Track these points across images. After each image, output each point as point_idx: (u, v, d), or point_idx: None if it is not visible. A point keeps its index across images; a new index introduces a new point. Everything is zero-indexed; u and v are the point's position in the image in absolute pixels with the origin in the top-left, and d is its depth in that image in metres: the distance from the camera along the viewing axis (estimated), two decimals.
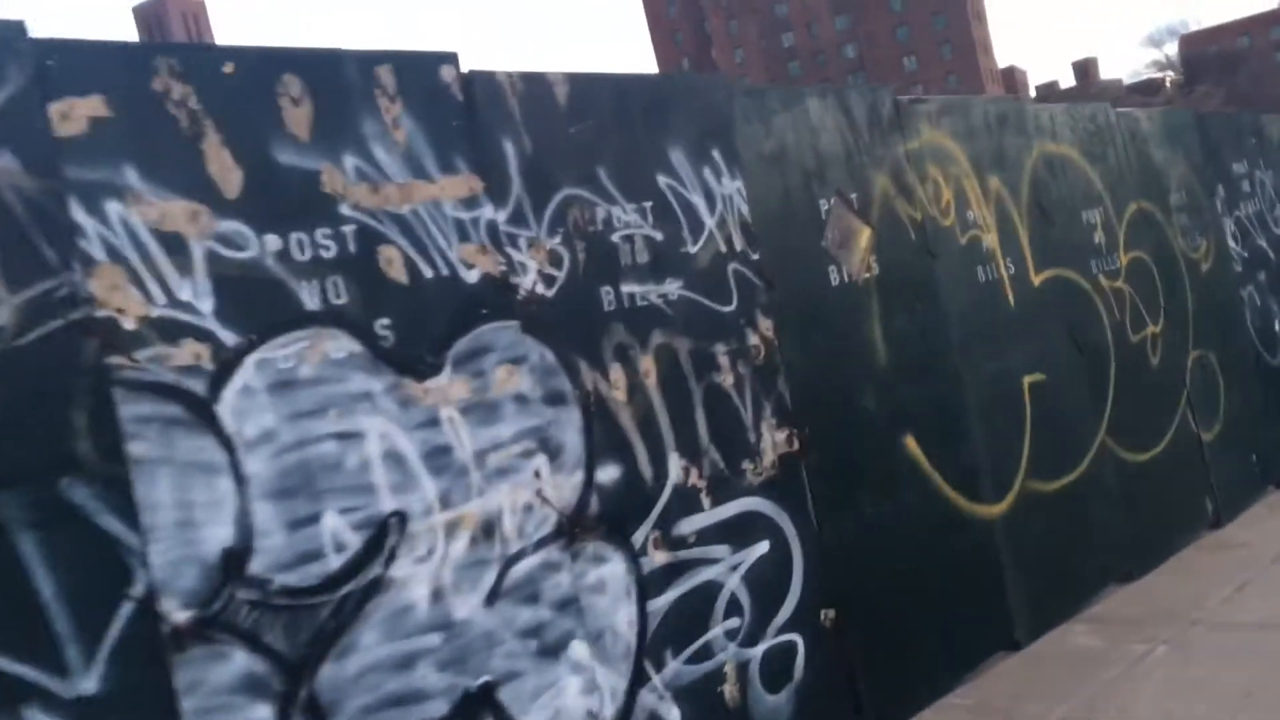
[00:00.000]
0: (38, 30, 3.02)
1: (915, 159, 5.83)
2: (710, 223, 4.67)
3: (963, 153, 6.15)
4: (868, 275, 5.39)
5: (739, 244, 4.78)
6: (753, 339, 4.75)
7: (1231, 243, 8.55)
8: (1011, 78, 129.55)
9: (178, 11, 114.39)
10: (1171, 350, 7.56)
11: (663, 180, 4.52)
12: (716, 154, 4.75)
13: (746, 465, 4.63)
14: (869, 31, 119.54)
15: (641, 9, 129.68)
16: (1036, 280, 6.50)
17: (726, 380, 4.62)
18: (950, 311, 5.83)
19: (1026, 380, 6.24)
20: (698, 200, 4.64)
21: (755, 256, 4.83)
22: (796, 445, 4.84)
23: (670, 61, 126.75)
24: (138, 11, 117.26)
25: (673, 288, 4.48)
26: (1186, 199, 8.13)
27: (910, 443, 5.42)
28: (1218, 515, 7.62)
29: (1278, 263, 9.07)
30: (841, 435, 5.11)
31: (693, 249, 4.59)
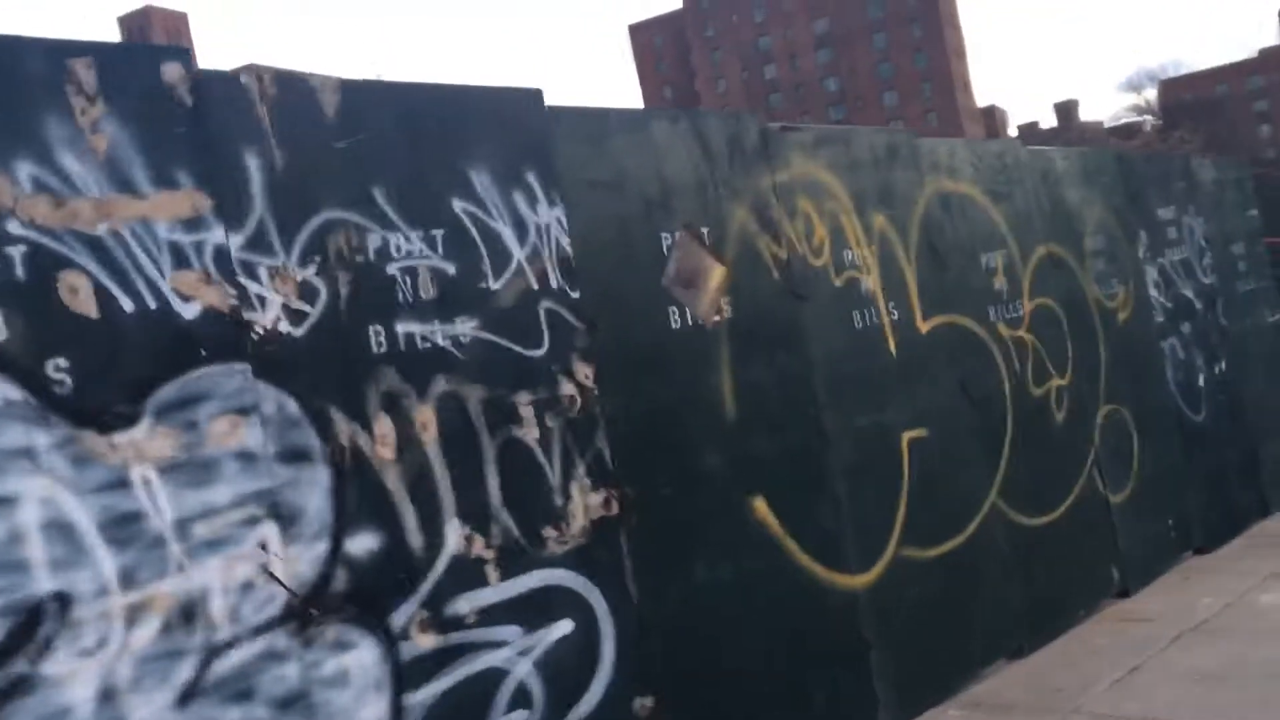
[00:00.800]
0: None
1: (784, 192, 5.26)
2: (520, 255, 4.08)
3: (842, 187, 5.59)
4: (718, 318, 4.81)
5: (555, 280, 4.18)
6: (567, 388, 4.15)
7: (1153, 291, 8.02)
8: (992, 117, 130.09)
9: (160, 23, 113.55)
10: (1079, 405, 7.01)
11: (459, 205, 3.92)
12: (532, 178, 4.16)
13: (549, 532, 4.02)
14: (851, 66, 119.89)
15: (628, 40, 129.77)
16: (924, 327, 5.94)
17: (530, 434, 4.02)
18: (817, 359, 5.26)
19: (906, 436, 5.66)
20: (504, 229, 4.04)
21: (575, 295, 4.23)
22: (615, 508, 4.24)
23: (654, 92, 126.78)
24: (123, 21, 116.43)
25: (466, 328, 3.88)
26: (1104, 244, 7.60)
27: (759, 505, 4.83)
28: (1125, 584, 7.06)
29: (1204, 314, 8.56)
30: (675, 496, 4.51)
31: (495, 284, 3.99)
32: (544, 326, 4.11)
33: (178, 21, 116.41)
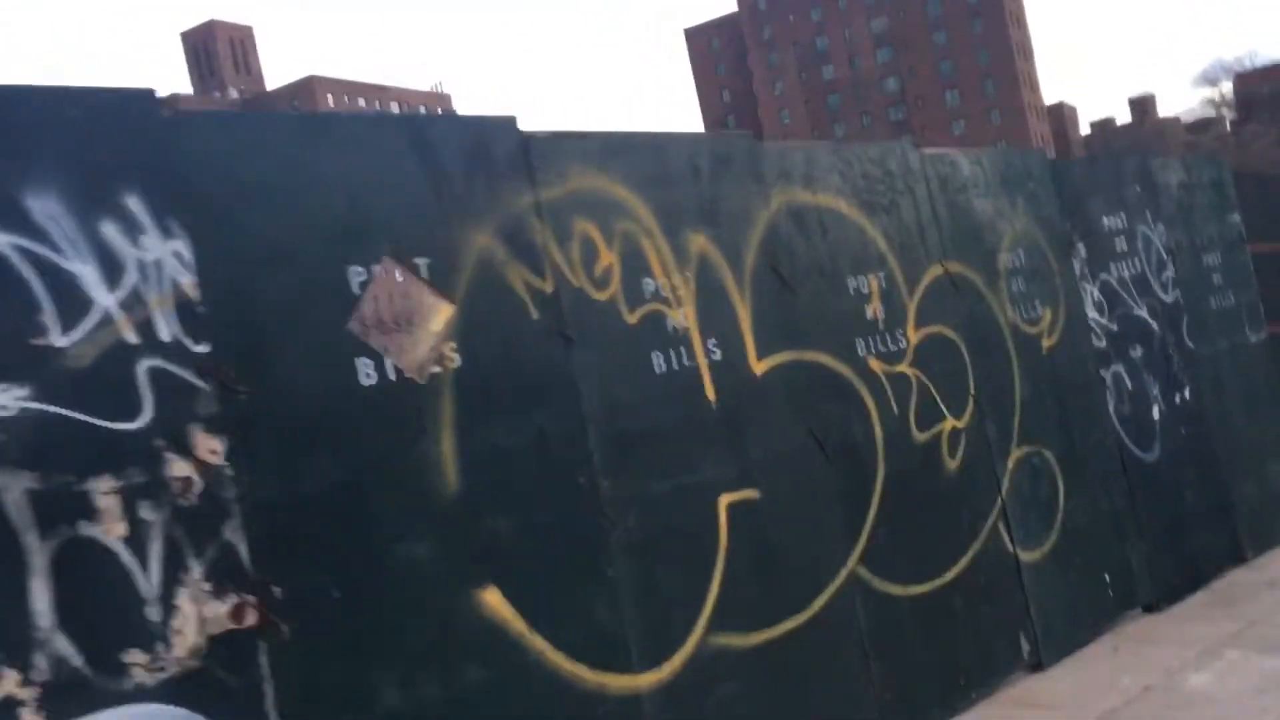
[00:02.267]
0: None
1: (554, 212, 4.28)
2: (108, 301, 3.16)
3: (643, 203, 4.59)
4: (438, 370, 3.84)
5: (167, 331, 3.25)
6: (178, 468, 3.22)
7: (1093, 313, 6.87)
8: (1059, 114, 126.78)
9: (225, 36, 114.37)
10: (982, 449, 5.91)
11: (2, 240, 3.02)
12: (133, 202, 3.24)
13: (136, 657, 3.09)
14: (911, 65, 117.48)
15: (684, 45, 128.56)
16: (760, 367, 4.92)
17: (112, 531, 3.09)
18: (594, 414, 4.27)
19: (726, 500, 4.65)
20: (82, 268, 3.13)
21: (201, 348, 3.30)
22: (253, 618, 3.30)
23: (712, 95, 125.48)
24: (185, 37, 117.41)
25: (6, 399, 2.97)
26: (1025, 260, 6.48)
27: (490, 598, 3.85)
28: (1038, 657, 5.95)
29: (1163, 336, 7.38)
30: (358, 596, 3.56)
31: (61, 341, 3.08)
32: (144, 392, 3.19)
33: (243, 35, 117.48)
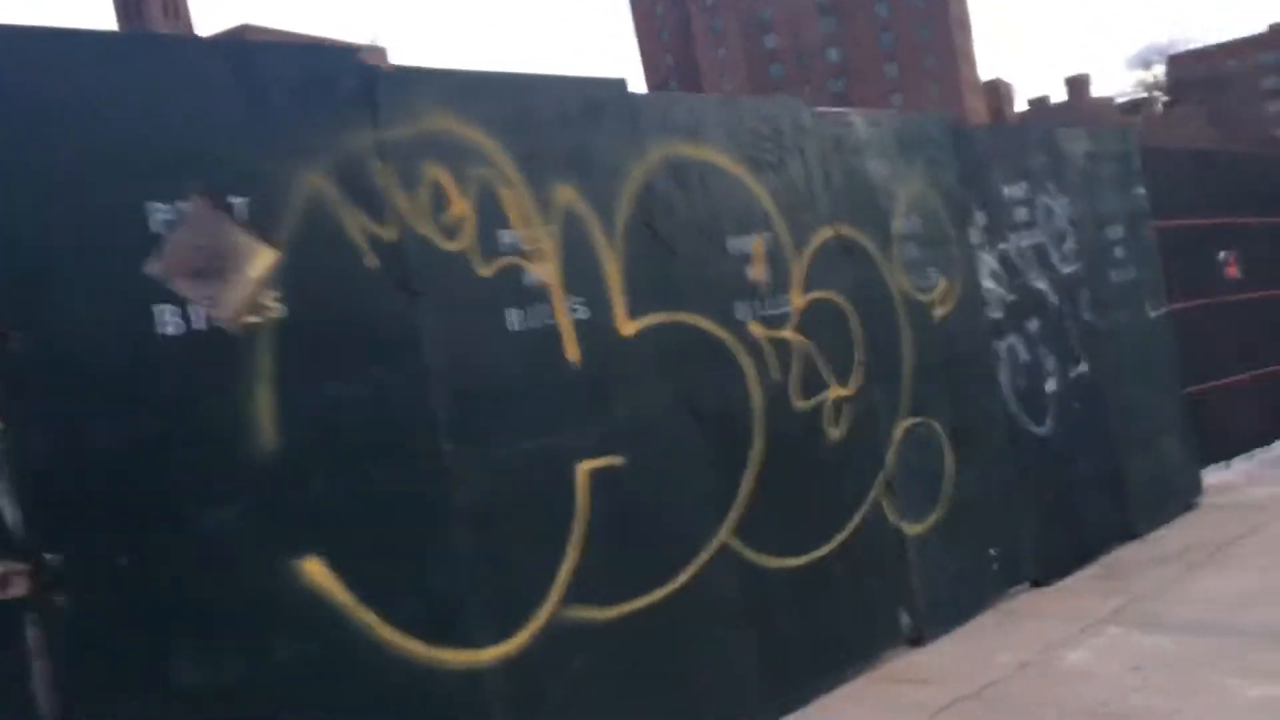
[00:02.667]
0: None
1: (400, 153, 3.94)
2: None
3: (502, 149, 4.26)
4: (256, 319, 3.50)
5: None
6: None
7: (989, 283, 6.69)
8: (996, 90, 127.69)
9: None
10: (868, 418, 5.70)
11: None
12: None
13: None
14: (854, 35, 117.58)
15: (628, 6, 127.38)
16: (630, 328, 4.64)
17: None
18: (439, 372, 3.96)
19: (585, 466, 4.37)
20: None
21: None
22: (20, 588, 2.97)
23: (655, 59, 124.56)
24: None
25: None
26: (921, 226, 6.26)
27: (313, 568, 3.54)
28: (919, 630, 5.79)
29: (1061, 309, 7.22)
30: (153, 564, 3.23)
31: None
32: None
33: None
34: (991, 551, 6.40)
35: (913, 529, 5.85)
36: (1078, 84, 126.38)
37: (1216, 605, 5.90)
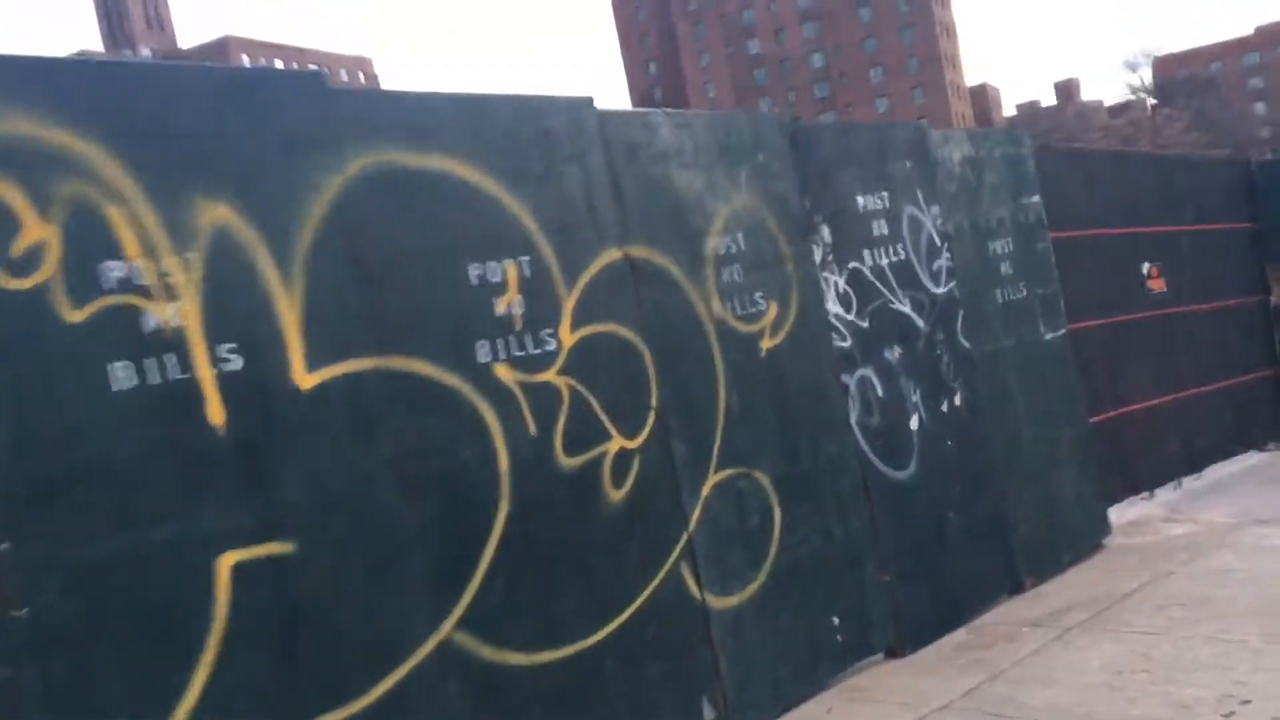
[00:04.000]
0: None
1: None
2: None
3: (112, 157, 3.29)
4: None
5: None
6: None
7: (836, 308, 5.73)
8: (983, 95, 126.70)
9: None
10: (661, 474, 4.74)
11: None
12: None
13: None
14: (837, 41, 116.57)
15: (611, 14, 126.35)
16: (310, 380, 3.67)
17: None
18: None
19: (230, 559, 3.41)
20: None
21: None
22: None
23: (639, 70, 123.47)
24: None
25: None
26: (744, 246, 5.30)
27: None
28: None
29: (929, 334, 6.27)
30: None
31: None
32: None
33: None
34: (834, 620, 5.44)
35: (722, 602, 4.89)
36: (1067, 88, 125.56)
37: (1081, 686, 4.96)
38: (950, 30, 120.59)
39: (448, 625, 3.91)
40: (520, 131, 4.43)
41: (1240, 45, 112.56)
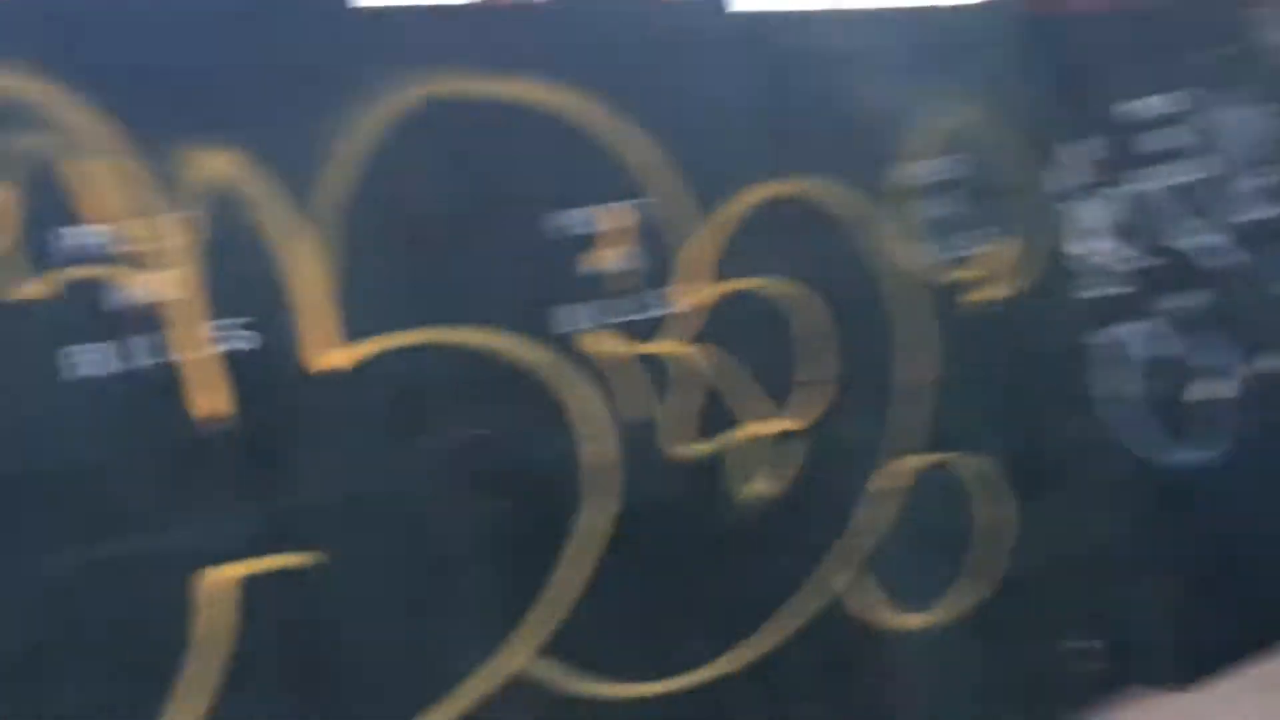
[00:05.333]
0: None
1: None
2: None
3: (84, 104, 2.76)
4: None
5: None
6: None
7: (1102, 243, 4.38)
8: None
9: None
10: (834, 461, 3.73)
11: None
12: None
13: None
14: None
15: None
16: (347, 357, 3.02)
17: None
18: None
19: (231, 573, 2.84)
20: None
21: None
22: None
23: None
24: None
25: None
26: (959, 172, 4.10)
27: None
28: None
29: (1243, 273, 4.73)
30: None
31: None
32: None
33: None
34: (1085, 644, 4.21)
35: (911, 620, 3.84)
36: None
37: None
38: None
39: (522, 652, 3.18)
40: (626, 40, 3.51)
41: None
